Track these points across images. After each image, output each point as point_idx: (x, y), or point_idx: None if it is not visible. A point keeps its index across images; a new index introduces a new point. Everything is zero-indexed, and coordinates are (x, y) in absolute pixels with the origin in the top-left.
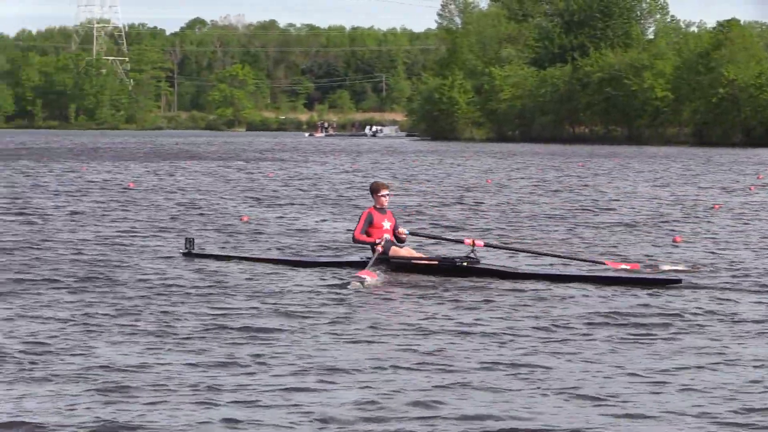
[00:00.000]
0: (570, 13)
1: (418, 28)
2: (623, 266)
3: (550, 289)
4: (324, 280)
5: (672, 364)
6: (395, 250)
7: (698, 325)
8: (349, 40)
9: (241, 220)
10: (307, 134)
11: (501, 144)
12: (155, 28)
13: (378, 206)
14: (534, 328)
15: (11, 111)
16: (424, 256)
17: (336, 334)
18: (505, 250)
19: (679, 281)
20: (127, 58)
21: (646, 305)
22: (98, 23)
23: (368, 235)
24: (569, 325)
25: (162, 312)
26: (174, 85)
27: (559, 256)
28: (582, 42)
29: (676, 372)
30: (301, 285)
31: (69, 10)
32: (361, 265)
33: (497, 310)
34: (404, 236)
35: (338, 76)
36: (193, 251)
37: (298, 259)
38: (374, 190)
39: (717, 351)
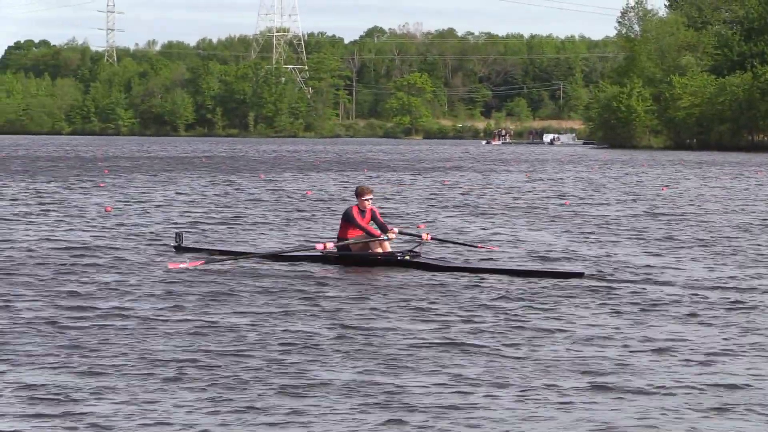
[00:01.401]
0: (750, 21)
1: (597, 35)
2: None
3: (468, 278)
4: (294, 270)
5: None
6: (359, 247)
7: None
8: (527, 48)
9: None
10: (484, 142)
11: (679, 152)
12: (334, 36)
13: (360, 207)
14: (441, 311)
15: (191, 119)
16: (383, 250)
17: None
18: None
19: (582, 274)
20: (306, 67)
21: (547, 293)
22: (278, 32)
23: (345, 232)
24: (477, 306)
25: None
26: (352, 93)
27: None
28: (762, 50)
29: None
30: (269, 276)
31: (249, 19)
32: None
33: (419, 296)
34: (392, 236)
35: (516, 83)
36: (182, 245)
37: (274, 252)
38: (359, 193)
39: (604, 334)
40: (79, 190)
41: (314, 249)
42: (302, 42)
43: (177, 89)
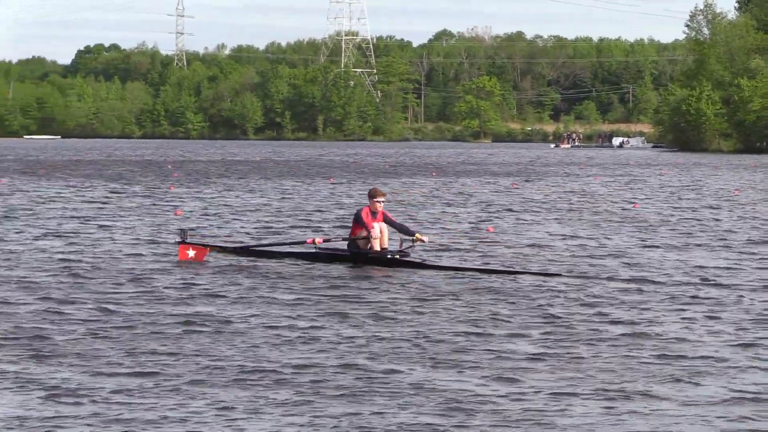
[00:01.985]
0: None
1: (666, 38)
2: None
3: (452, 277)
4: (292, 266)
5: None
6: (361, 243)
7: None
8: (596, 51)
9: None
10: (552, 145)
11: (749, 155)
12: (402, 40)
13: (372, 209)
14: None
15: (260, 123)
16: (373, 250)
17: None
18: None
19: (559, 274)
20: (374, 70)
21: (527, 292)
22: (347, 35)
23: (354, 232)
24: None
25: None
26: (421, 97)
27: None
28: None
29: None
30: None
31: (318, 23)
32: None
33: (407, 292)
34: (420, 238)
35: (585, 87)
36: (186, 240)
37: (270, 246)
38: (372, 195)
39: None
40: (150, 194)
41: (305, 242)
42: (371, 45)
43: (246, 93)
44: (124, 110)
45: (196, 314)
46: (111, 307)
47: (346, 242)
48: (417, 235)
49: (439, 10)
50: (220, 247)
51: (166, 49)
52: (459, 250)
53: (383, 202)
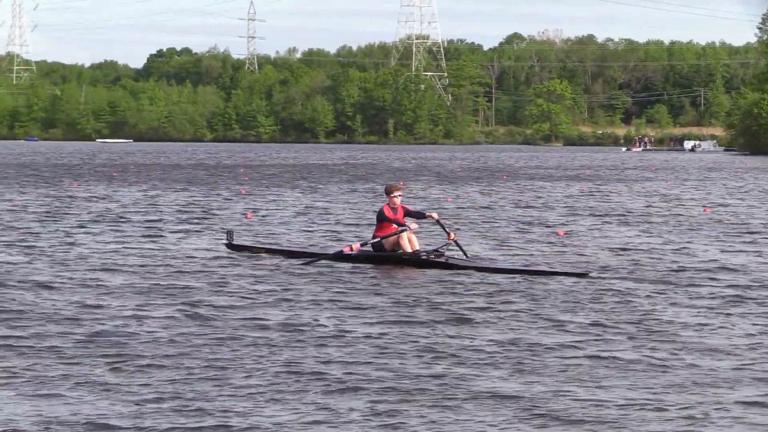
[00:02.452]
0: None
1: (738, 42)
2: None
3: (485, 277)
4: (341, 270)
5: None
6: (390, 242)
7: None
8: (668, 54)
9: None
10: (624, 149)
11: None
12: (473, 43)
13: (391, 205)
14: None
15: (331, 126)
16: (412, 248)
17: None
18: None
19: (587, 274)
20: (445, 74)
21: (557, 291)
22: (418, 39)
23: (380, 231)
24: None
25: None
26: (491, 100)
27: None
28: None
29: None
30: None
31: (389, 26)
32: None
33: (444, 293)
34: (431, 215)
35: (656, 90)
36: (233, 242)
37: (318, 252)
38: (388, 191)
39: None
40: (221, 198)
41: (342, 252)
42: (441, 49)
43: (317, 96)
44: (195, 114)
45: (264, 318)
46: (186, 311)
47: (371, 245)
48: (427, 213)
49: (510, 14)
50: (265, 249)
51: (238, 52)
52: (527, 253)
53: (401, 196)
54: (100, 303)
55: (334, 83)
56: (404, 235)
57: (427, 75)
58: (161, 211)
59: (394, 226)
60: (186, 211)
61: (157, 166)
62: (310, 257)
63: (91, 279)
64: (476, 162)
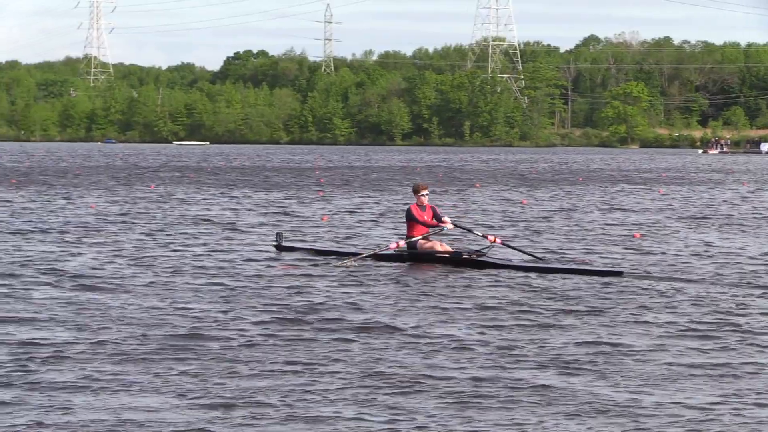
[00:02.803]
0: None
1: None
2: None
3: (526, 276)
4: (386, 270)
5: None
6: (421, 244)
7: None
8: (744, 57)
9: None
10: (700, 151)
11: None
12: (549, 45)
13: (419, 204)
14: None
15: (407, 128)
16: (442, 249)
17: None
18: (516, 250)
19: (621, 273)
20: (521, 76)
21: (593, 290)
22: (494, 41)
23: (411, 231)
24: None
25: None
26: (568, 102)
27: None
28: None
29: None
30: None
31: (465, 29)
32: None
33: (485, 292)
34: (448, 223)
35: (733, 92)
36: (283, 244)
37: (357, 252)
38: (415, 190)
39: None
40: (298, 200)
41: (388, 248)
42: (518, 51)
43: (393, 99)
44: (272, 116)
45: (341, 320)
46: (263, 314)
47: (408, 243)
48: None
49: (587, 16)
50: (316, 250)
51: (314, 55)
52: (603, 255)
53: (428, 194)
54: (177, 306)
55: (410, 85)
56: (435, 242)
57: (503, 77)
58: (237, 214)
59: (426, 227)
60: (263, 213)
61: (233, 168)
62: (355, 255)
63: (167, 282)
64: (552, 164)
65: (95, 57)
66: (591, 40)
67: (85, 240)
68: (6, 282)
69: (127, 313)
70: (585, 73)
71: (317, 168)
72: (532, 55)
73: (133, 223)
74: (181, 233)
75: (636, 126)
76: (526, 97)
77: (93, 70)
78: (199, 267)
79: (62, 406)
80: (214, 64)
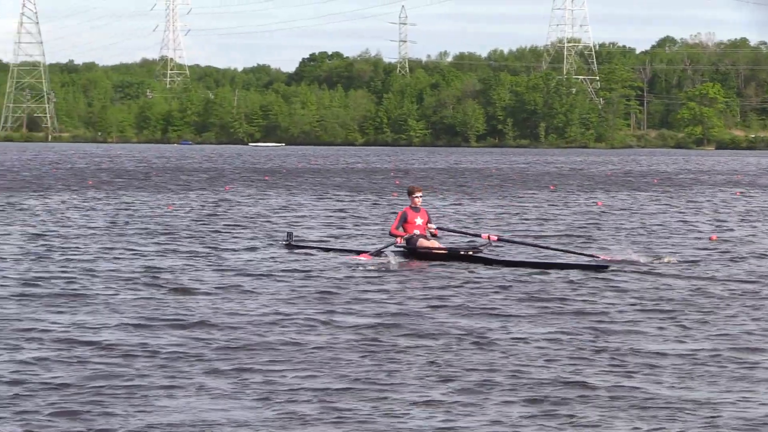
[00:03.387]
0: None
1: None
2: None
3: (518, 271)
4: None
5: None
6: (421, 242)
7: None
8: None
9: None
10: None
11: None
12: (624, 47)
13: (413, 206)
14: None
15: (482, 130)
16: (439, 246)
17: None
18: (518, 244)
19: (606, 267)
20: (596, 77)
21: (579, 284)
22: (569, 42)
23: (403, 230)
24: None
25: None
26: (643, 104)
27: (557, 249)
28: None
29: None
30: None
31: (540, 30)
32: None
33: (480, 286)
34: (434, 231)
35: None
36: (293, 243)
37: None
38: (410, 192)
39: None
40: (368, 202)
41: (396, 242)
42: (593, 52)
43: (468, 100)
44: (347, 118)
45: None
46: (336, 316)
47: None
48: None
49: (662, 17)
50: (323, 248)
51: (389, 56)
52: (686, 260)
53: (422, 197)
54: (260, 309)
55: (485, 87)
56: (424, 240)
57: (578, 78)
58: (311, 215)
59: (405, 231)
60: (334, 216)
61: (308, 170)
62: (365, 252)
63: (235, 284)
64: (627, 166)
65: (171, 59)
66: (667, 41)
67: (163, 242)
68: (82, 284)
69: (211, 315)
70: (660, 74)
71: (392, 170)
72: (608, 56)
73: (205, 224)
74: (248, 236)
75: (712, 127)
76: (601, 99)
77: (169, 71)
78: (280, 271)
79: (150, 406)
80: (289, 65)
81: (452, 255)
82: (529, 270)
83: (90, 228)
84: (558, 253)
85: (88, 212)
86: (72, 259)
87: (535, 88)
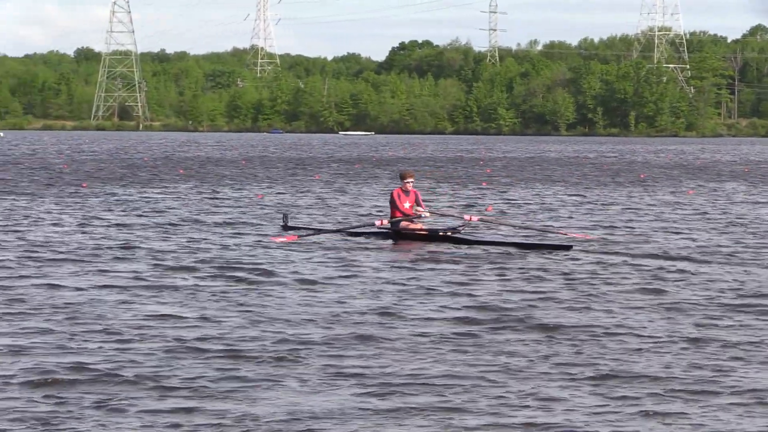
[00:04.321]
0: None
1: None
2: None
3: (486, 251)
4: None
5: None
6: (405, 224)
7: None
8: None
9: None
10: None
11: None
12: (716, 35)
13: (404, 189)
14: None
15: (572, 119)
16: (421, 227)
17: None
18: (496, 223)
19: (570, 247)
20: (687, 66)
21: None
22: (659, 31)
23: (392, 213)
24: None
25: None
26: (734, 92)
27: (529, 227)
28: None
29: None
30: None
31: (631, 18)
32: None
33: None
34: (420, 213)
35: None
36: (288, 224)
37: (345, 228)
38: (402, 177)
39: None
40: (460, 191)
41: (374, 225)
42: (684, 41)
43: (558, 89)
44: (436, 106)
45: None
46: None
47: (391, 223)
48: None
49: (754, 5)
50: (315, 230)
51: (479, 45)
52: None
53: (413, 182)
54: (355, 300)
55: (575, 75)
56: (404, 221)
57: (668, 67)
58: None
59: (392, 214)
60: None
61: (399, 159)
62: (349, 230)
63: (338, 276)
64: (719, 154)
65: (262, 48)
66: (758, 29)
67: (250, 232)
68: (174, 275)
69: (305, 307)
70: (752, 62)
71: (483, 159)
72: (699, 44)
73: (300, 214)
74: (349, 222)
75: None
76: (692, 87)
77: (260, 60)
78: (383, 262)
79: (250, 399)
80: (379, 54)
81: (432, 236)
82: (504, 249)
83: (183, 219)
84: (534, 232)
85: (181, 200)
86: (172, 251)
87: (626, 77)
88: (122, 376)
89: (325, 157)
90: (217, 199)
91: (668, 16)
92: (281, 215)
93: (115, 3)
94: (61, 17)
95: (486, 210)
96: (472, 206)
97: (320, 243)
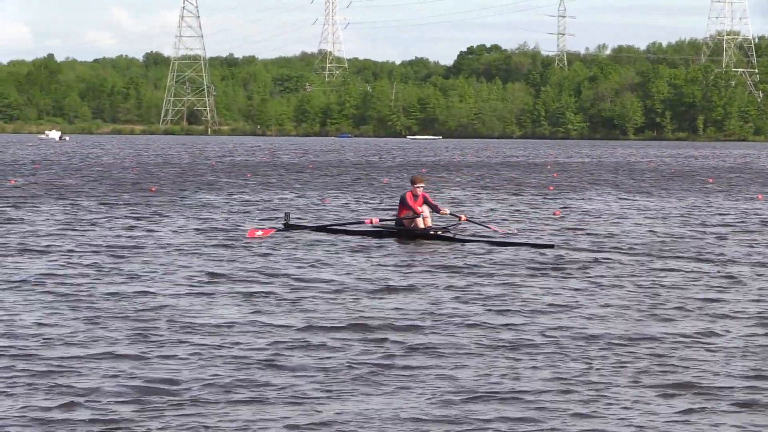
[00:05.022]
0: None
1: None
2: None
3: (464, 247)
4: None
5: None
6: (406, 223)
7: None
8: None
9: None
10: None
11: None
12: None
13: (414, 193)
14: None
15: (640, 123)
16: (418, 227)
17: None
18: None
19: (552, 246)
20: (756, 70)
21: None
22: (728, 35)
23: (400, 212)
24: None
25: None
26: None
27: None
28: None
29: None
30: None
31: (699, 23)
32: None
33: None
34: (444, 211)
35: None
36: (290, 223)
37: (335, 225)
38: (413, 182)
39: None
40: (528, 196)
41: (363, 223)
42: (752, 45)
43: (626, 93)
44: (504, 110)
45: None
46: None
47: (394, 222)
48: (441, 211)
49: None
50: (315, 227)
51: (547, 49)
52: None
53: (423, 187)
54: (417, 303)
55: (643, 80)
56: (419, 219)
57: (737, 71)
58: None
59: (420, 211)
60: (493, 210)
61: (466, 164)
62: (342, 227)
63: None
64: None
65: (330, 52)
66: None
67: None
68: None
69: (356, 314)
70: None
71: (549, 164)
72: (767, 49)
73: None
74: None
75: None
76: (760, 92)
77: (328, 65)
78: (442, 266)
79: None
80: (447, 58)
81: (425, 235)
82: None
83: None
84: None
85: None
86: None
87: (694, 81)
88: (188, 382)
89: (399, 163)
90: (274, 202)
91: (737, 20)
92: (283, 214)
93: (184, 8)
94: (130, 22)
95: (554, 214)
96: (537, 209)
97: (317, 241)
